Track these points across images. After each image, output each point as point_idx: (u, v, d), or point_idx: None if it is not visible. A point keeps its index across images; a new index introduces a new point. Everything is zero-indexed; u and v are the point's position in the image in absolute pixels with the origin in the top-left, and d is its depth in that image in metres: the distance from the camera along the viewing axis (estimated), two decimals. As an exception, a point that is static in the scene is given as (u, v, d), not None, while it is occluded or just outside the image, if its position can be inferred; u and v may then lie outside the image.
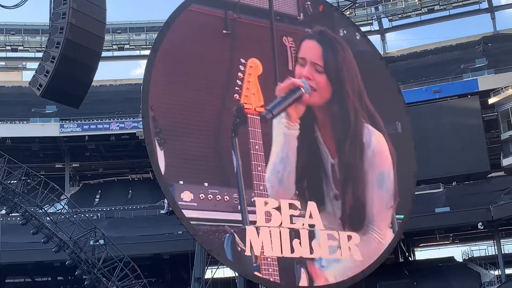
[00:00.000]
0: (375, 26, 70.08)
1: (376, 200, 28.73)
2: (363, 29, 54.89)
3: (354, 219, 28.02)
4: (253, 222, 25.05)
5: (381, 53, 43.04)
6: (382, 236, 28.29)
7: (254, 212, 25.18)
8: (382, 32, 70.13)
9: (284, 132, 27.03)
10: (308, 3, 29.85)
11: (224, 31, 27.12)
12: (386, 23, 70.11)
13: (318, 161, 27.93)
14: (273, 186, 26.14)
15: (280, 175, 26.43)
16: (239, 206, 24.85)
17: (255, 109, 26.45)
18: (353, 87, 29.93)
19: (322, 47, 29.63)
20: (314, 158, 27.89)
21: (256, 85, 26.81)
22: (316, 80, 28.44)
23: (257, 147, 25.92)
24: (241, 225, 24.79)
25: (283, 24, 28.84)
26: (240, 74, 26.60)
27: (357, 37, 31.43)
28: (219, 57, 26.70)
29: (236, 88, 26.29)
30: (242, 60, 26.75)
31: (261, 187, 25.51)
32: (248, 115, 26.21)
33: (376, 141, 29.72)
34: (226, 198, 24.80)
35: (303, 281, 26.04)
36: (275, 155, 26.64)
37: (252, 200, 25.19)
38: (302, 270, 26.06)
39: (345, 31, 30.80)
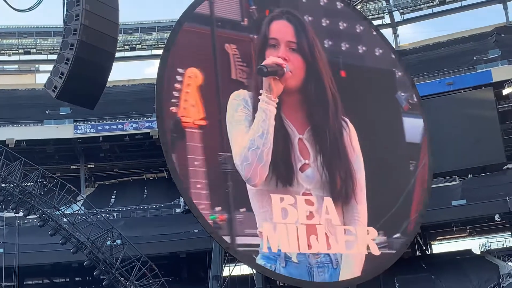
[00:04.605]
0: (387, 20, 69.67)
1: (360, 180, 28.50)
2: (375, 23, 54.52)
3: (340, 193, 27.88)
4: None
5: (393, 46, 42.70)
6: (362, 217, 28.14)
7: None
8: (393, 25, 69.63)
9: (264, 108, 26.27)
10: (253, 7, 28.33)
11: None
12: (397, 16, 69.74)
13: (286, 139, 27.21)
14: (251, 163, 25.48)
15: (259, 151, 25.72)
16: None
17: (194, 122, 25.16)
18: (324, 65, 29.50)
19: (292, 25, 28.89)
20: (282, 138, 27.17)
21: (195, 96, 25.48)
22: (292, 61, 27.66)
23: (196, 163, 24.56)
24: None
25: (225, 30, 27.44)
26: (177, 85, 25.25)
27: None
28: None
29: (173, 100, 25.01)
30: (180, 70, 25.51)
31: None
32: (186, 129, 24.97)
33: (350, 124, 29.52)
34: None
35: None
36: (255, 129, 25.98)
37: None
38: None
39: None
